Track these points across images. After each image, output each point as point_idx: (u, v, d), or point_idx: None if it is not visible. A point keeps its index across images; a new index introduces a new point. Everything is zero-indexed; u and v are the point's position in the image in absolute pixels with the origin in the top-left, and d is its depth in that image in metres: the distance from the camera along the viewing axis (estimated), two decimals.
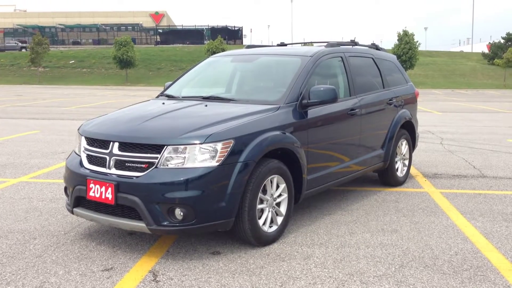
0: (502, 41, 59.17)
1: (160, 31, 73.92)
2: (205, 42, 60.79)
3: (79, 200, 3.93)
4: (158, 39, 71.49)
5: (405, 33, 45.44)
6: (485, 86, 44.32)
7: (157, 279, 3.38)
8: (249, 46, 6.06)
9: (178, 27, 76.62)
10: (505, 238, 4.23)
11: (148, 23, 76.86)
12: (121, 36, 51.91)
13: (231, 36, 69.28)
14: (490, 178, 6.57)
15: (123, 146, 3.74)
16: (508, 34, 59.11)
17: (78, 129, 4.30)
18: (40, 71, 47.77)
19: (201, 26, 73.42)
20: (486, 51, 61.58)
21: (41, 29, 67.77)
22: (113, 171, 3.72)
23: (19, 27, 73.52)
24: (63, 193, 4.76)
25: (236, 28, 72.61)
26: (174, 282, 3.33)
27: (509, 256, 3.83)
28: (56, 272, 3.48)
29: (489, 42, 63.04)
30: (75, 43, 71.64)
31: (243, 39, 73.54)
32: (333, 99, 4.47)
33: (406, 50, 44.51)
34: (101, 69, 52.13)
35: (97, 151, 3.89)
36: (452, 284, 3.32)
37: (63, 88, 37.38)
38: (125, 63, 46.21)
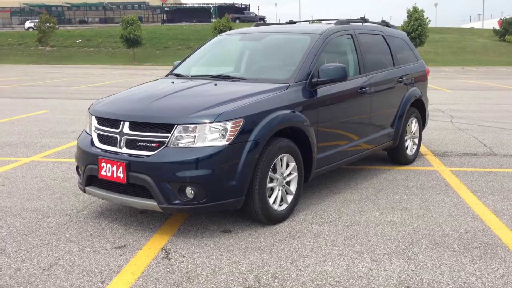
0: None
1: (167, 9, 73.34)
2: (212, 20, 60.27)
3: (91, 179, 3.97)
4: (165, 18, 70.97)
5: (415, 9, 44.72)
6: (496, 63, 43.73)
7: (169, 256, 3.43)
8: (257, 24, 6.00)
9: (185, 5, 75.96)
10: None
11: (155, 1, 76.21)
12: (127, 14, 51.55)
13: (238, 13, 68.65)
14: (501, 156, 6.53)
15: (134, 126, 3.76)
16: None
17: (89, 109, 4.31)
18: (48, 50, 47.73)
19: (208, 4, 72.78)
20: (497, 27, 60.50)
21: (48, 8, 67.50)
22: (124, 150, 3.75)
23: (25, 5, 73.27)
24: (75, 172, 4.82)
25: (243, 6, 71.92)
26: (186, 260, 3.37)
27: None
28: (70, 249, 3.54)
29: (500, 18, 61.90)
30: (82, 22, 71.34)
31: None
32: (343, 77, 4.44)
33: (415, 27, 43.87)
34: (108, 48, 51.97)
35: (108, 130, 3.91)
36: (462, 261, 3.33)
37: (71, 67, 37.40)
38: (132, 42, 46.01)
